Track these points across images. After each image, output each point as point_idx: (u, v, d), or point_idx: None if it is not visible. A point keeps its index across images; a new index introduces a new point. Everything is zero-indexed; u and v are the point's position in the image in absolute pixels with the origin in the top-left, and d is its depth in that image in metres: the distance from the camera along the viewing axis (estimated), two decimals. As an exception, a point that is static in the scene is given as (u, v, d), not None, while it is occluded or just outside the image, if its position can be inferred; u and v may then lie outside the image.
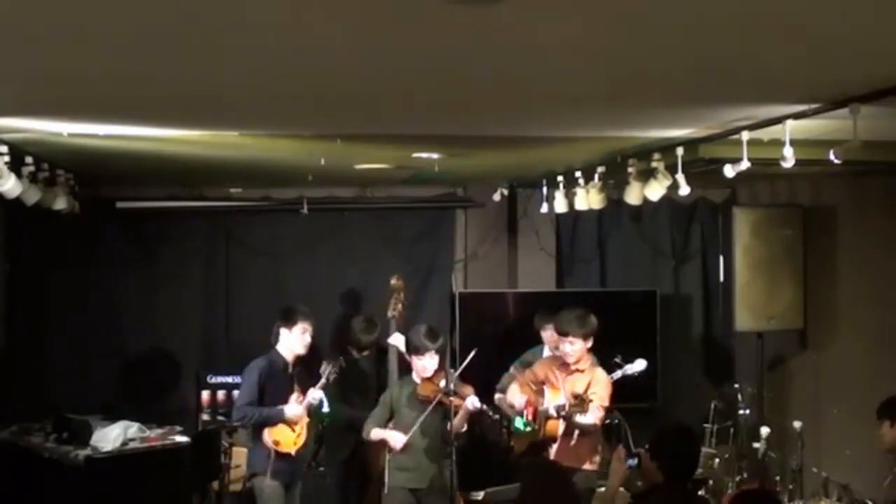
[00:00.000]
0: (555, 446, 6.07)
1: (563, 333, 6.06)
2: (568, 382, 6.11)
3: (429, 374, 5.83)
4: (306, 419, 6.04)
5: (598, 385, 6.06)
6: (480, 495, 6.12)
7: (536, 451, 6.16)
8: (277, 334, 6.07)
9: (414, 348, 5.91)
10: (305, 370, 6.19)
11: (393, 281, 6.76)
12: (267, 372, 5.99)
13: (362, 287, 7.97)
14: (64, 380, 7.56)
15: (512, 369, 6.62)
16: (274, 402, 5.94)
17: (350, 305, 7.88)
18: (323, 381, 6.09)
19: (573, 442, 5.95)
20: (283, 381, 6.03)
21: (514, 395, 6.15)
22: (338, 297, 7.96)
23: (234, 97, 4.06)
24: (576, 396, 5.87)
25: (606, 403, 6.05)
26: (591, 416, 5.89)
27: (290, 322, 6.04)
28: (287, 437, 5.94)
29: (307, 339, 6.11)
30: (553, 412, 5.93)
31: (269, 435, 5.89)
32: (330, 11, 2.70)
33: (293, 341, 6.06)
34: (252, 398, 5.91)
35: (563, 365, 6.12)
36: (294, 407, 5.93)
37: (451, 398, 5.66)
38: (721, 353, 8.28)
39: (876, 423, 5.26)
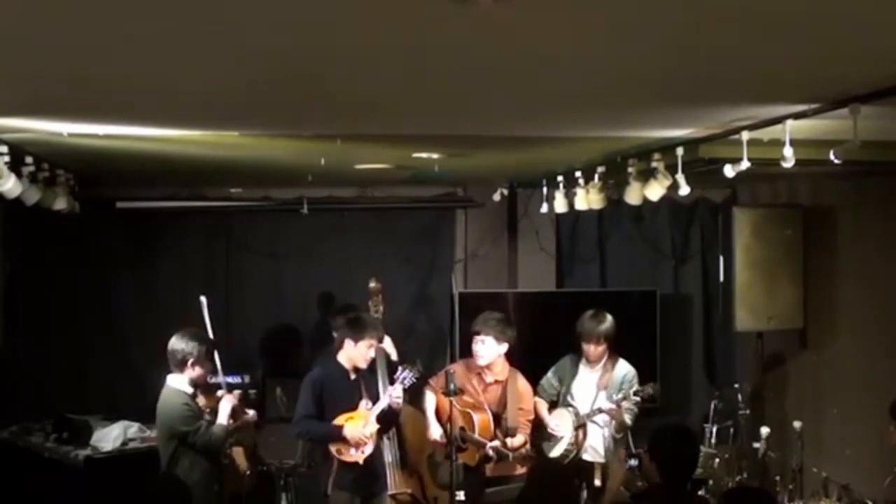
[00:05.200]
0: (491, 465, 6.15)
1: (475, 332, 6.17)
2: (488, 395, 6.15)
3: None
4: (375, 426, 5.79)
5: (522, 400, 6.18)
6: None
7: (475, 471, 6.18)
8: (340, 343, 5.90)
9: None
10: (372, 375, 6.02)
11: (371, 284, 6.68)
12: (323, 383, 5.84)
13: (362, 287, 7.95)
14: (64, 380, 7.56)
15: (543, 381, 6.52)
16: (335, 409, 5.78)
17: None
18: (399, 385, 5.86)
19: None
20: (344, 389, 5.85)
21: (432, 423, 6.18)
22: (337, 297, 7.94)
23: (234, 97, 4.06)
24: (507, 447, 5.99)
25: (532, 416, 6.20)
26: (521, 437, 6.06)
27: (357, 335, 5.84)
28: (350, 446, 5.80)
29: (371, 354, 5.90)
30: (490, 453, 6.01)
31: (332, 445, 5.75)
32: (330, 11, 2.70)
33: (356, 355, 5.86)
34: (309, 411, 5.78)
35: (479, 375, 6.16)
36: (354, 429, 5.71)
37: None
38: (721, 353, 8.28)
39: (891, 422, 5.26)
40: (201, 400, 5.55)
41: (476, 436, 6.06)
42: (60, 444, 6.57)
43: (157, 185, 7.78)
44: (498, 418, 6.15)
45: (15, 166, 5.20)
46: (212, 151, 5.69)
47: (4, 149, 5.01)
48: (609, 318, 6.27)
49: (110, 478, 6.32)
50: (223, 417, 5.46)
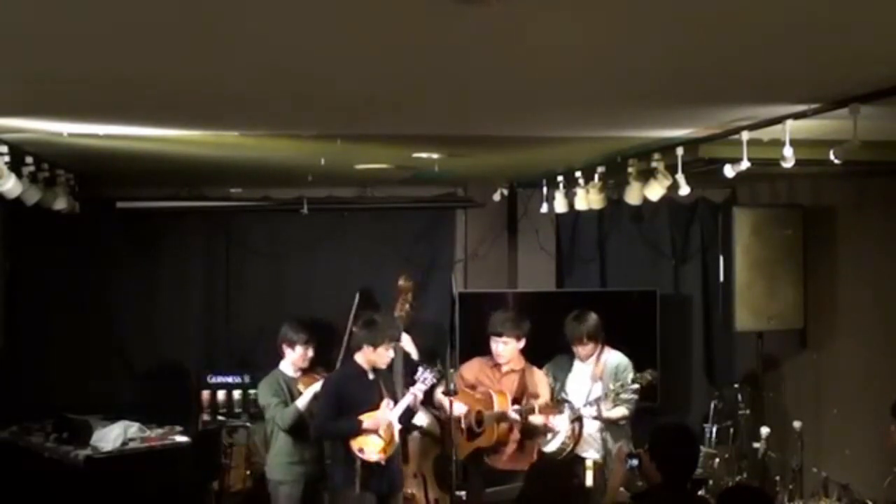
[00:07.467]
0: (506, 450, 6.13)
1: (496, 334, 6.21)
2: (505, 383, 6.19)
3: None
4: (397, 426, 5.83)
5: (539, 385, 6.24)
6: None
7: (479, 457, 6.21)
8: (359, 346, 5.93)
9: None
10: (389, 374, 6.03)
11: (401, 281, 6.75)
12: (342, 382, 5.90)
13: (362, 287, 7.95)
14: (64, 380, 7.55)
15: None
16: (356, 409, 5.79)
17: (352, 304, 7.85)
18: (421, 385, 5.88)
19: (517, 444, 6.15)
20: (363, 387, 5.86)
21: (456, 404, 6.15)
22: (337, 297, 7.93)
23: (234, 97, 4.06)
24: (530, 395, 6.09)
25: (549, 400, 6.25)
26: (542, 416, 6.11)
27: (376, 341, 5.86)
28: (372, 445, 5.77)
29: (391, 354, 5.94)
30: (514, 415, 6.04)
31: (353, 444, 5.74)
32: (331, 12, 2.70)
33: (376, 358, 5.88)
34: (330, 415, 5.82)
35: (495, 366, 6.19)
36: (372, 419, 5.75)
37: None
38: (721, 353, 8.28)
39: (891, 422, 5.26)
40: (301, 383, 6.07)
41: (495, 410, 6.11)
42: (60, 444, 6.55)
43: (157, 185, 7.77)
44: (517, 402, 6.19)
45: (15, 166, 5.20)
46: (212, 151, 5.69)
47: (4, 149, 5.01)
48: (592, 316, 6.32)
49: (110, 478, 6.31)
50: (300, 400, 5.98)
